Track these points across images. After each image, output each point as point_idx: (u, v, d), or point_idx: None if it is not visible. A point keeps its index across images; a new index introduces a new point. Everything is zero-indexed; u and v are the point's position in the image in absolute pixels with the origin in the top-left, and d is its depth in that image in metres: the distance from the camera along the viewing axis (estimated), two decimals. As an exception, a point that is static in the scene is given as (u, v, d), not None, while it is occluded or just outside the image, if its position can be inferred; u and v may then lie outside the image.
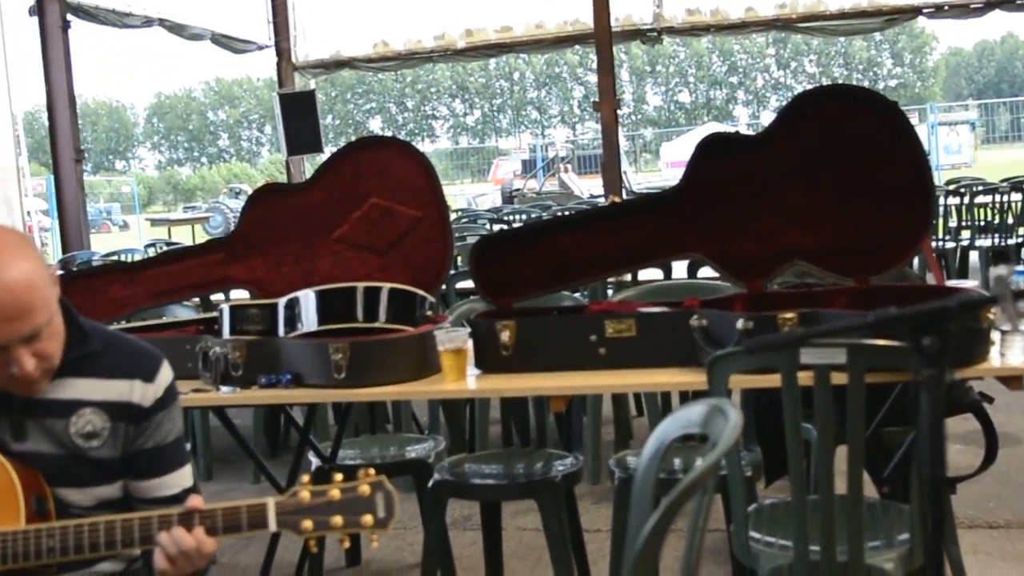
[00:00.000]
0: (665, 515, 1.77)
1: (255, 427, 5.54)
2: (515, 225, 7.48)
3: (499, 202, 19.57)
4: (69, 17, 11.38)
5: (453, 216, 11.92)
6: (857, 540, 2.55)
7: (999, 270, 1.77)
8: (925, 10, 13.02)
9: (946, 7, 12.84)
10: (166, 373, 2.21)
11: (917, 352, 1.82)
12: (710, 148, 3.44)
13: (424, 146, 48.50)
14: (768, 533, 2.73)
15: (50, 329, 2.00)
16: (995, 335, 2.87)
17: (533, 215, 10.51)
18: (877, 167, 3.30)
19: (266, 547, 3.56)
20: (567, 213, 3.75)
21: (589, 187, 20.36)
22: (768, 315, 2.95)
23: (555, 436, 4.83)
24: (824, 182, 3.34)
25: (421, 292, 3.27)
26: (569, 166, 22.73)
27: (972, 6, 12.62)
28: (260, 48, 14.45)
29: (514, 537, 4.31)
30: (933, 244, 9.30)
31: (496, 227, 9.64)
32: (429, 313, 3.27)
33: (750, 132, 3.43)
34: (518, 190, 21.73)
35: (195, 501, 2.00)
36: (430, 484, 3.46)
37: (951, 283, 3.43)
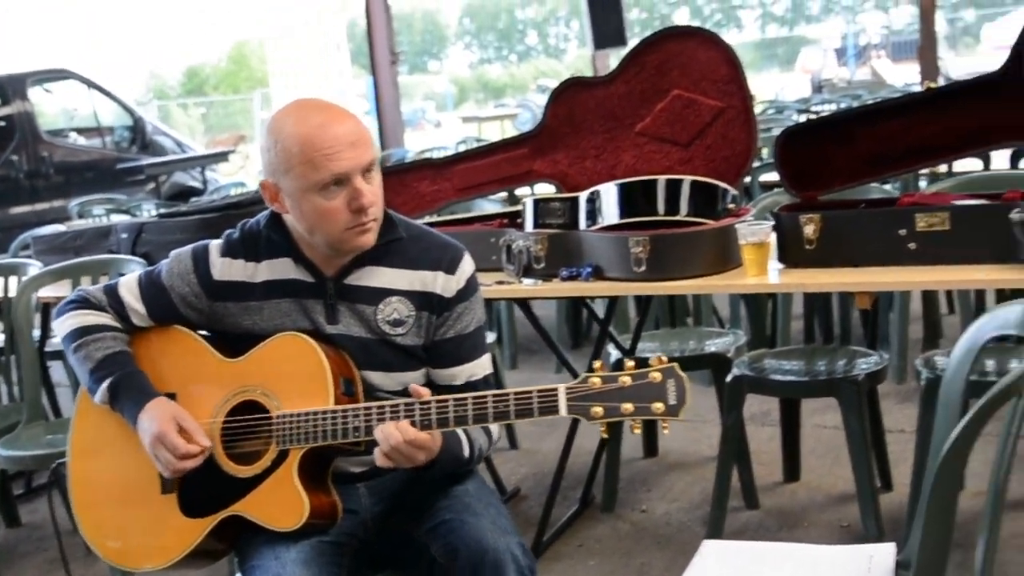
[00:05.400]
0: (974, 420, 1.69)
1: (558, 318, 5.65)
2: (838, 112, 7.22)
3: (807, 93, 18.90)
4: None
5: (759, 108, 11.63)
6: None
7: None
8: None
9: None
10: (468, 265, 2.29)
11: None
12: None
13: (730, 36, 47.29)
14: (1093, 442, 2.56)
15: (378, 176, 2.16)
16: None
17: (843, 105, 10.09)
18: None
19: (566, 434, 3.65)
20: (882, 100, 3.58)
21: (903, 75, 19.35)
22: (1100, 208, 2.72)
23: (859, 333, 4.69)
24: None
25: (723, 184, 3.22)
26: (882, 53, 21.63)
27: None
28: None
29: (813, 434, 4.25)
30: None
31: (804, 118, 9.32)
32: (731, 206, 3.21)
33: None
34: (827, 79, 20.94)
35: (419, 389, 2.08)
36: (729, 378, 3.45)
37: None
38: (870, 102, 8.45)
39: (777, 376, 3.44)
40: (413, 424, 2.05)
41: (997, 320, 2.06)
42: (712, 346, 3.94)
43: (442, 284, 2.24)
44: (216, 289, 2.26)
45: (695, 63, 3.54)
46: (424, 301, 2.24)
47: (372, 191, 2.13)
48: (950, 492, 1.75)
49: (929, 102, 3.32)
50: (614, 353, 3.88)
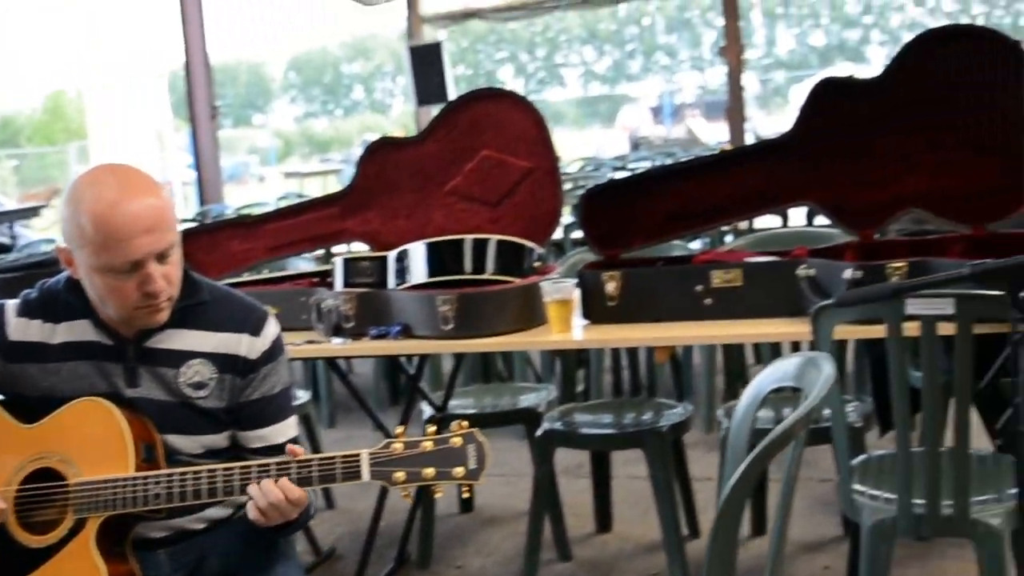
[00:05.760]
0: (750, 468, 1.78)
1: (375, 376, 5.66)
2: (647, 168, 7.52)
3: (626, 149, 19.48)
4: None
5: (579, 164, 11.92)
6: (962, 494, 2.52)
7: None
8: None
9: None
10: (272, 327, 2.30)
11: (1015, 305, 1.78)
12: (824, 93, 3.38)
13: (554, 94, 48.31)
14: (874, 486, 2.71)
15: (177, 255, 2.13)
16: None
17: (658, 162, 10.44)
18: (998, 110, 3.20)
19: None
20: (679, 162, 3.76)
21: (717, 133, 20.14)
22: (877, 264, 2.91)
23: (670, 385, 4.84)
24: (942, 126, 3.26)
25: (529, 243, 3.30)
26: (696, 112, 22.51)
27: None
28: (388, 0, 14.60)
29: (625, 485, 4.35)
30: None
31: (620, 175, 9.61)
32: (537, 264, 3.30)
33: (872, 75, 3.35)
34: (644, 137, 21.63)
35: (295, 449, 2.09)
36: (538, 433, 3.52)
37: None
38: (680, 160, 8.76)
39: (585, 429, 3.53)
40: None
41: (777, 373, 2.17)
42: (524, 401, 4.01)
43: (247, 346, 2.25)
44: (11, 350, 2.21)
45: (504, 124, 3.63)
46: (227, 364, 2.23)
47: (167, 273, 2.11)
48: (730, 537, 1.83)
49: (723, 163, 3.50)
50: (428, 410, 3.91)
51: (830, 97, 3.35)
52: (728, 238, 5.74)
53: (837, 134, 3.34)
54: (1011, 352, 1.83)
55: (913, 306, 2.47)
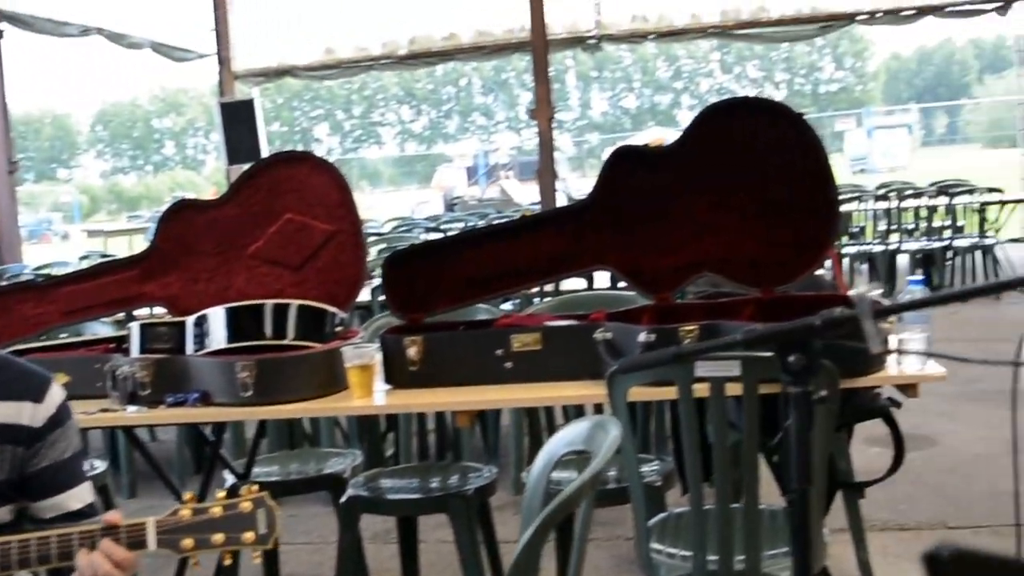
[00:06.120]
0: (537, 532, 1.81)
1: (178, 442, 5.50)
2: (451, 234, 7.59)
3: (441, 209, 19.62)
4: (3, 26, 11.28)
5: (392, 224, 11.93)
6: (754, 549, 2.60)
7: (860, 288, 1.81)
8: (859, 16, 13.24)
9: (879, 14, 13.02)
10: (56, 392, 2.21)
11: (784, 369, 1.85)
12: (620, 161, 3.48)
13: (371, 152, 48.42)
14: (671, 544, 2.77)
15: None
16: (892, 342, 2.92)
17: (471, 223, 10.54)
18: (783, 179, 3.36)
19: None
20: (481, 227, 3.81)
21: (530, 194, 20.49)
22: (670, 328, 2.99)
23: (479, 447, 4.86)
24: (732, 193, 3.39)
25: (331, 308, 3.28)
26: (511, 173, 22.84)
27: (904, 13, 12.81)
28: (200, 56, 14.40)
29: (434, 550, 4.32)
30: (861, 248, 9.45)
31: (433, 236, 9.66)
32: (339, 329, 3.28)
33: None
34: (459, 197, 21.81)
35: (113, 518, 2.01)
36: (342, 500, 3.47)
37: (854, 291, 3.49)
38: (492, 221, 8.88)
39: (390, 495, 3.50)
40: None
41: (568, 436, 2.21)
42: (330, 467, 3.95)
43: (29, 415, 2.16)
44: None
45: (307, 188, 3.62)
46: (8, 435, 2.14)
47: None
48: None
49: (524, 228, 3.56)
50: (231, 478, 3.82)
51: (625, 165, 3.45)
52: (536, 300, 5.82)
53: (633, 200, 3.43)
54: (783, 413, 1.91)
55: (702, 368, 2.56)
